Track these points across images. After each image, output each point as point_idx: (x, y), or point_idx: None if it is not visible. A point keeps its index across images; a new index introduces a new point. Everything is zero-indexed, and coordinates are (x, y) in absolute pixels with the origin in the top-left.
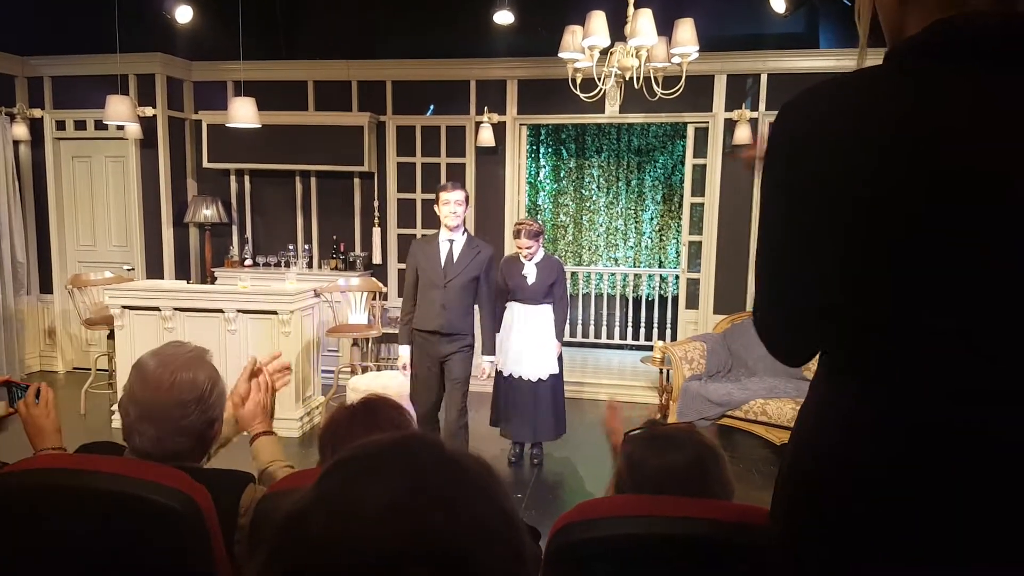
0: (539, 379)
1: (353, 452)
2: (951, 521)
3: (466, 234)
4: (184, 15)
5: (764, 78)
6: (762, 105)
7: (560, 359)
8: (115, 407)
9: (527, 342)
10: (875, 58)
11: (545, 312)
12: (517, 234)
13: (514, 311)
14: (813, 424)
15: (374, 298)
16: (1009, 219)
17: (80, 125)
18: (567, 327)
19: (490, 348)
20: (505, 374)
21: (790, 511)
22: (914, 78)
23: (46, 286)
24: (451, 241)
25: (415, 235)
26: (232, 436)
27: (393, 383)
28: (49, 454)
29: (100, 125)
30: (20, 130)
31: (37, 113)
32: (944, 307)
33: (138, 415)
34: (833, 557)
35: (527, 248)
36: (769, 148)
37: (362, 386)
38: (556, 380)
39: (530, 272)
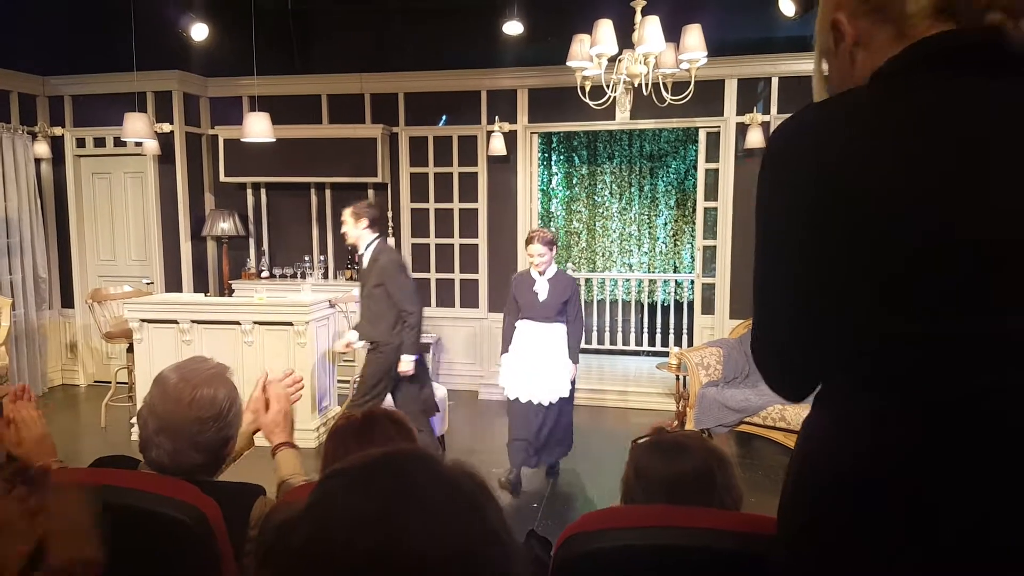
0: (550, 403)
1: (344, 464)
2: (954, 530)
3: (370, 247)
4: (199, 32)
5: (775, 81)
6: (774, 108)
7: (572, 382)
8: (134, 419)
9: (538, 363)
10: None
11: (557, 331)
12: (529, 241)
13: (524, 330)
14: (821, 440)
15: None
16: (978, 218)
17: (99, 142)
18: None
19: (408, 349)
20: (512, 397)
21: (796, 523)
22: (894, 93)
23: (67, 301)
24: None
25: (428, 244)
26: (244, 449)
27: None
28: (59, 468)
29: (119, 142)
30: (42, 148)
31: (58, 131)
32: (938, 315)
33: (156, 428)
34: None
35: (539, 256)
36: (763, 172)
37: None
38: (565, 402)
39: (541, 288)
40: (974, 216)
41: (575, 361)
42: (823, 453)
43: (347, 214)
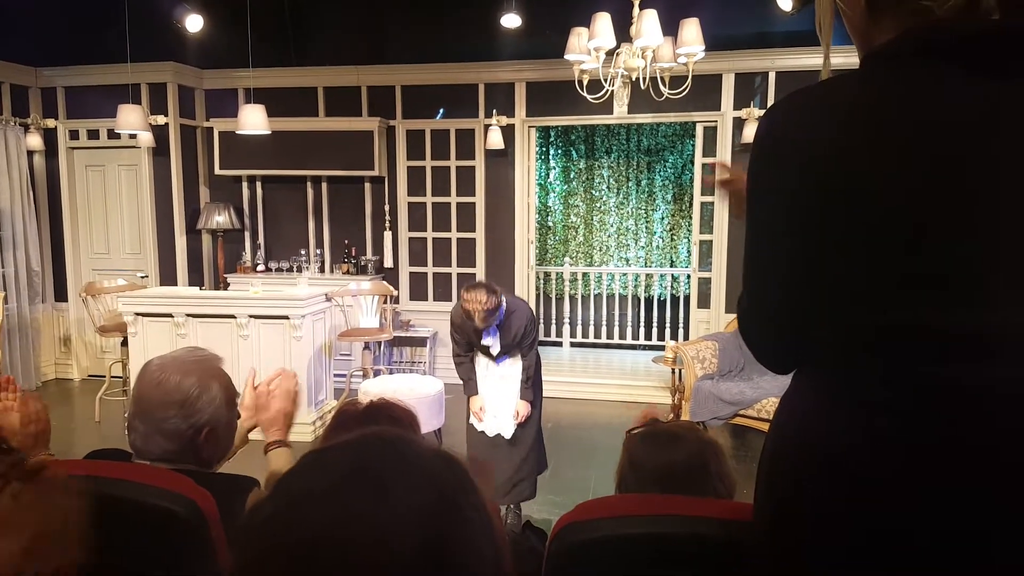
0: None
1: (317, 448)
2: (902, 510)
3: None
4: (195, 24)
5: (772, 76)
6: (770, 103)
7: (539, 407)
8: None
9: (502, 395)
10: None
11: (516, 361)
12: (468, 316)
13: (482, 364)
14: (781, 417)
15: (385, 301)
16: (969, 206)
17: (93, 134)
18: (578, 328)
19: None
20: (479, 428)
21: (761, 502)
22: (885, 81)
23: (61, 294)
24: None
25: (426, 238)
26: (239, 447)
27: (404, 387)
28: (51, 460)
29: (113, 134)
30: (34, 140)
31: (51, 123)
32: (902, 299)
33: (133, 412)
34: (794, 546)
35: (487, 333)
36: (753, 152)
37: (374, 390)
38: (531, 431)
39: (492, 343)
40: (961, 208)
41: (527, 398)
42: (808, 440)
43: None
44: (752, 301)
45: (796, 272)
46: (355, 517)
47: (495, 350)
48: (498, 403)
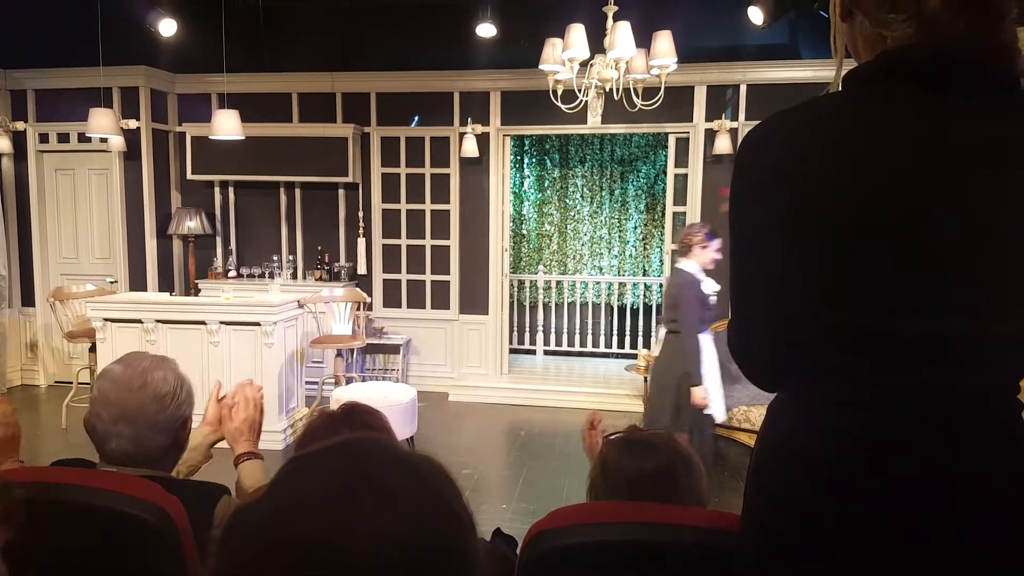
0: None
1: (305, 450)
2: (878, 519)
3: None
4: (168, 28)
5: (743, 88)
6: (742, 115)
7: None
8: None
9: (719, 376)
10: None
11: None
12: (712, 236)
13: (706, 342)
14: (770, 430)
15: (358, 308)
16: (928, 224)
17: (63, 138)
18: (552, 336)
19: None
20: (720, 420)
21: (751, 510)
22: (868, 100)
23: (28, 299)
24: None
25: (400, 245)
26: (201, 462)
27: (376, 394)
28: (15, 468)
29: (84, 138)
30: (3, 143)
31: (20, 126)
32: (875, 310)
33: (113, 417)
34: (774, 547)
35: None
36: (737, 174)
37: (346, 397)
38: None
39: (711, 287)
40: (939, 223)
41: None
42: (800, 445)
43: None
44: (748, 321)
45: (787, 289)
46: (360, 520)
47: (714, 299)
48: (717, 381)
